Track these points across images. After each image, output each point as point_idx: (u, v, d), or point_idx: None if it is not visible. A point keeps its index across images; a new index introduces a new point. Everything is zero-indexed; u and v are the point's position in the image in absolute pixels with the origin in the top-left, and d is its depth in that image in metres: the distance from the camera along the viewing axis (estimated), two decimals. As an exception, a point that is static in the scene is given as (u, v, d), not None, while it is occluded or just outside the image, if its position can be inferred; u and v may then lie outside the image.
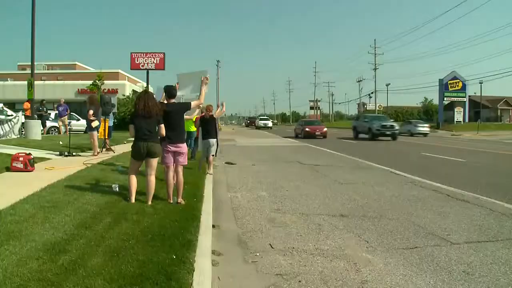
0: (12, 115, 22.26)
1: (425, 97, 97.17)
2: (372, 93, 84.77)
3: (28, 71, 24.82)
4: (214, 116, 12.41)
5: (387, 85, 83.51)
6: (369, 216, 7.78)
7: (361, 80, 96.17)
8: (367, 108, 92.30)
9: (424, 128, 47.29)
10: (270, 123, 78.85)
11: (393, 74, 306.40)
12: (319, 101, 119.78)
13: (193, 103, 8.17)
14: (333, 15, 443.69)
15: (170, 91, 7.95)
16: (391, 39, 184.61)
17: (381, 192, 10.16)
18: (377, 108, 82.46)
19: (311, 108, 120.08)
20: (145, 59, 34.66)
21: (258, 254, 5.68)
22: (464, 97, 66.52)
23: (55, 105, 22.09)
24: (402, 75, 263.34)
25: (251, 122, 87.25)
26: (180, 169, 7.83)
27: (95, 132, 14.80)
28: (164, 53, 34.63)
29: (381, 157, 16.84)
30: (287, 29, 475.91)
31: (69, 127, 22.15)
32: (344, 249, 5.88)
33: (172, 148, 7.68)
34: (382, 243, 6.14)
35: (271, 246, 6.03)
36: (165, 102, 7.93)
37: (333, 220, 7.47)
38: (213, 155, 12.33)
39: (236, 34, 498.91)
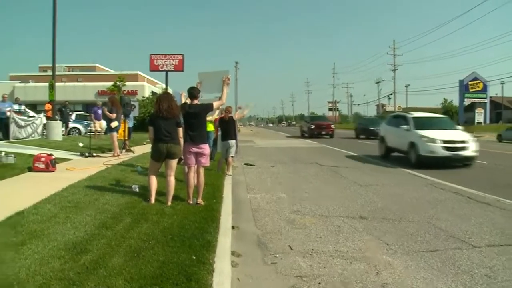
0: (33, 117, 22.52)
1: (444, 98, 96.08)
2: (391, 94, 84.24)
3: (49, 72, 25.12)
4: (234, 118, 12.44)
5: (406, 86, 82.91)
6: (389, 218, 7.72)
7: (380, 81, 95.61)
8: (386, 110, 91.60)
9: None
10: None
11: (413, 75, 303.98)
12: (337, 102, 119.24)
13: (215, 104, 8.19)
14: (351, 15, 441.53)
15: (192, 92, 7.99)
16: (410, 40, 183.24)
17: (401, 194, 10.08)
18: (396, 109, 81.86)
19: (330, 109, 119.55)
20: (164, 61, 34.84)
21: (277, 255, 5.67)
22: (485, 98, 65.74)
23: (92, 108, 22.28)
24: (422, 76, 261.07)
25: (317, 127, 38.75)
26: (202, 170, 7.87)
27: (115, 133, 14.92)
28: (183, 54, 34.77)
29: (400, 159, 16.67)
30: (305, 29, 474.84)
31: (89, 128, 22.37)
32: (364, 251, 5.85)
33: (194, 149, 7.71)
34: (402, 246, 6.08)
35: (290, 247, 6.01)
36: (188, 103, 7.97)
37: (352, 222, 7.43)
38: (232, 156, 12.35)
39: (254, 35, 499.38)
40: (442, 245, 6.11)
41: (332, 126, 39.22)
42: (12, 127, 19.04)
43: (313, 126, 38.23)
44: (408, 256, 5.63)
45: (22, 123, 20.36)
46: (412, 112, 18.97)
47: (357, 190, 10.61)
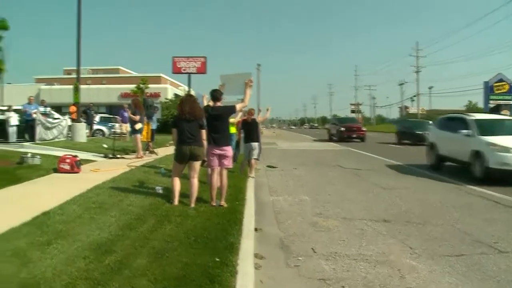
0: (59, 118, 22.83)
1: (469, 100, 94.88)
2: (414, 96, 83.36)
3: (73, 75, 25.45)
4: (257, 120, 12.45)
5: (429, 88, 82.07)
6: (412, 222, 7.63)
7: (403, 83, 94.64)
8: (410, 112, 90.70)
9: None
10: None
11: (437, 77, 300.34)
12: (360, 104, 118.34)
13: (238, 106, 8.21)
14: (375, 16, 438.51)
15: (215, 94, 8.02)
16: (434, 41, 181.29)
17: (425, 197, 9.96)
18: (420, 112, 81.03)
19: (352, 111, 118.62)
20: (187, 63, 35.06)
21: (300, 258, 5.66)
22: (511, 100, 64.65)
23: (120, 111, 22.56)
24: (446, 77, 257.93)
25: (348, 129, 36.00)
26: (225, 172, 7.90)
27: (138, 135, 15.07)
28: (205, 57, 34.99)
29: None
30: (327, 31, 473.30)
31: (113, 130, 22.59)
32: (388, 255, 5.79)
33: (218, 151, 7.73)
34: (427, 250, 6.00)
35: (313, 250, 5.99)
36: (211, 105, 8.00)
37: (376, 225, 7.37)
38: (255, 159, 12.36)
39: (277, 37, 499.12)
40: (467, 250, 6.01)
41: (364, 129, 36.93)
42: (38, 129, 19.32)
43: (343, 129, 35.35)
44: (432, 261, 5.55)
45: (48, 125, 20.66)
46: (472, 114, 15.80)
47: (380, 193, 10.52)
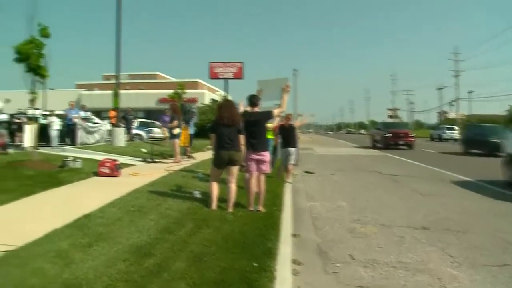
0: (98, 123, 23.29)
1: (510, 105, 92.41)
2: (453, 101, 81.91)
3: (112, 81, 25.94)
4: (295, 125, 12.44)
5: (469, 92, 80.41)
6: (452, 229, 7.46)
7: (441, 88, 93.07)
8: (448, 117, 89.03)
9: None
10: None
11: (477, 81, 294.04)
12: (397, 109, 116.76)
13: (275, 111, 8.21)
14: (413, 19, 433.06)
15: (252, 100, 8.06)
16: (474, 44, 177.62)
17: (466, 205, 9.73)
18: (459, 117, 79.46)
19: (390, 116, 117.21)
20: (224, 69, 35.32)
21: (338, 264, 5.61)
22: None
23: (161, 116, 22.99)
24: (486, 82, 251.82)
25: (395, 135, 32.80)
26: (263, 177, 7.92)
27: (176, 140, 15.26)
28: (242, 62, 35.21)
29: (467, 169, 15.73)
30: (363, 36, 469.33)
31: (151, 134, 22.88)
32: (427, 263, 5.68)
33: (256, 156, 7.76)
34: (468, 259, 5.86)
35: (351, 257, 5.93)
36: (248, 110, 8.03)
37: (414, 232, 7.24)
38: (292, 164, 12.33)
39: (313, 43, 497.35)
40: (510, 260, 5.85)
41: (412, 135, 33.36)
42: (80, 133, 19.76)
43: (389, 135, 32.16)
44: (473, 270, 5.42)
45: (90, 129, 21.10)
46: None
47: (419, 199, 10.33)
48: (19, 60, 12.12)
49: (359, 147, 37.57)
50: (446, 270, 5.40)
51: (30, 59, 11.98)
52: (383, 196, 10.81)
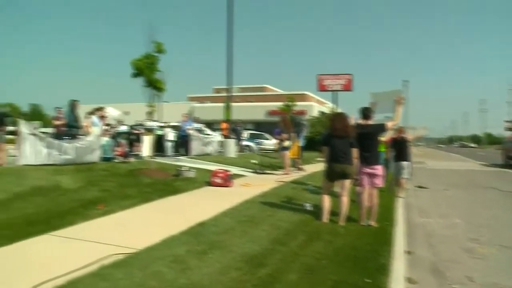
0: (210, 135, 24.05)
1: None
2: None
3: (222, 93, 26.74)
4: (408, 138, 12.09)
5: None
6: None
7: None
8: None
9: None
10: None
11: None
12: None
13: (389, 124, 8.02)
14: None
15: (366, 112, 7.95)
16: None
17: None
18: None
19: (509, 129, 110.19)
20: (332, 81, 35.19)
21: (455, 286, 5.34)
22: None
23: (275, 129, 23.52)
24: None
25: None
26: (375, 191, 7.76)
27: (286, 152, 15.41)
28: (351, 74, 34.86)
29: None
30: (479, 45, 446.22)
31: (260, 146, 23.26)
32: (555, 289, 5.26)
33: (368, 170, 7.64)
34: None
35: (469, 279, 5.62)
36: (361, 123, 7.93)
37: (540, 255, 6.73)
38: (405, 178, 11.98)
39: (423, 54, 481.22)
40: None
41: None
42: (194, 144, 20.50)
43: None
44: None
45: (204, 140, 21.87)
46: None
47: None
48: (135, 75, 12.89)
49: (475, 162, 35.59)
50: None
51: (146, 73, 12.69)
52: (502, 215, 10.17)
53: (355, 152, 7.47)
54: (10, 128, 14.07)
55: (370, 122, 7.92)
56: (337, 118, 7.75)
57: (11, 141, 13.14)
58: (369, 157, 7.61)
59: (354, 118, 8.55)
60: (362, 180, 7.72)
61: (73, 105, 13.62)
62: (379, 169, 7.74)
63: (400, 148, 11.91)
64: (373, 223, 7.52)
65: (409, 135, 12.41)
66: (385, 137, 11.09)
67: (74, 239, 5.99)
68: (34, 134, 11.37)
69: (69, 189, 9.50)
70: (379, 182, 7.77)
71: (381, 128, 7.95)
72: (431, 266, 6.17)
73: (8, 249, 5.46)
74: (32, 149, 11.18)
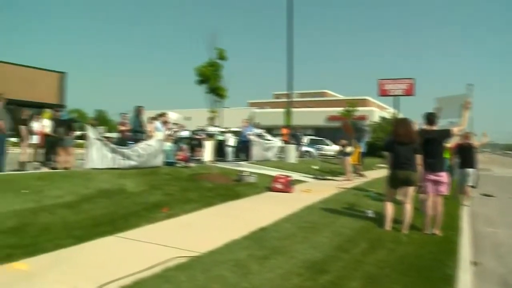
0: (271, 140, 24.12)
1: None
2: None
3: (282, 99, 26.79)
4: (474, 145, 11.73)
5: None
6: None
7: None
8: None
9: None
10: None
11: None
12: None
13: (455, 129, 7.79)
14: None
15: (430, 117, 7.77)
16: None
17: None
18: None
19: None
20: (393, 85, 34.62)
21: (526, 299, 5.15)
22: None
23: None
24: None
25: None
26: (440, 199, 7.55)
27: (347, 158, 15.29)
28: (414, 79, 34.15)
29: None
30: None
31: (320, 152, 23.13)
32: None
33: (432, 177, 7.46)
34: None
35: (541, 292, 5.40)
36: (426, 128, 7.76)
37: None
38: (470, 186, 11.62)
39: (489, 55, 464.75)
40: None
41: None
42: (256, 149, 20.61)
43: None
44: None
45: (265, 145, 21.98)
46: None
47: None
48: (201, 82, 13.11)
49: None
50: None
51: (210, 80, 12.89)
52: None
53: (419, 158, 7.29)
54: (78, 133, 14.65)
55: (434, 127, 7.74)
56: (400, 124, 7.61)
57: (79, 146, 13.67)
58: (433, 164, 7.42)
59: (418, 124, 8.38)
60: (426, 188, 7.54)
61: (138, 111, 14.05)
62: (443, 176, 7.53)
63: (465, 154, 11.57)
64: (437, 231, 7.32)
65: (475, 141, 12.04)
66: (450, 143, 10.79)
67: (138, 241, 6.17)
68: (100, 140, 11.81)
69: (133, 192, 9.80)
70: (444, 189, 7.55)
71: (446, 133, 7.74)
72: (500, 278, 5.96)
73: (76, 248, 5.70)
74: (98, 153, 11.62)
